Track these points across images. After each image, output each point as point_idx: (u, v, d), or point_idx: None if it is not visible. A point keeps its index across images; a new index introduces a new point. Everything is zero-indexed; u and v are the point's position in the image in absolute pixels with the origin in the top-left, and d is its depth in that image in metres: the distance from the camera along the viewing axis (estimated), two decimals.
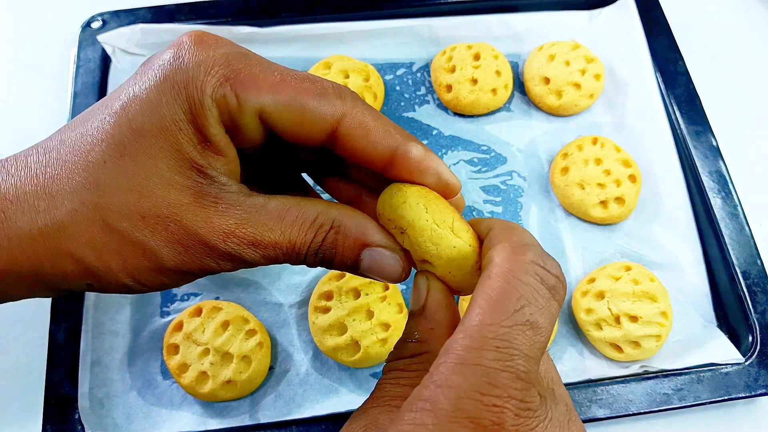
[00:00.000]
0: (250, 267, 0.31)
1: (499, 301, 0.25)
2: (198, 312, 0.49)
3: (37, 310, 0.52)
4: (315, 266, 0.31)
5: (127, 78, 0.30)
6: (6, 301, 0.31)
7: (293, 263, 0.31)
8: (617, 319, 0.49)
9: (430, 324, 0.29)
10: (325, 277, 0.51)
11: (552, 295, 0.26)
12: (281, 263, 0.31)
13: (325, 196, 0.44)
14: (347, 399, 0.48)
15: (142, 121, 0.27)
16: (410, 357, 0.28)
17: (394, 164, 0.30)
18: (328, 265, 0.31)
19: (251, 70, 0.28)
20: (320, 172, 0.37)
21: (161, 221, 0.28)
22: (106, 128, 0.28)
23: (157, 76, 0.28)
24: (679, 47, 0.63)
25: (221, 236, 0.29)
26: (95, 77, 0.61)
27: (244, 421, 0.47)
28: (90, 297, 0.51)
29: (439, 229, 0.29)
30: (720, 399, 0.47)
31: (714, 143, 0.58)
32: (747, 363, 0.49)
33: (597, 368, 0.49)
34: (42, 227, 0.27)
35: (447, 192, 0.31)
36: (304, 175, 0.38)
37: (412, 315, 0.30)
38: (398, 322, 0.48)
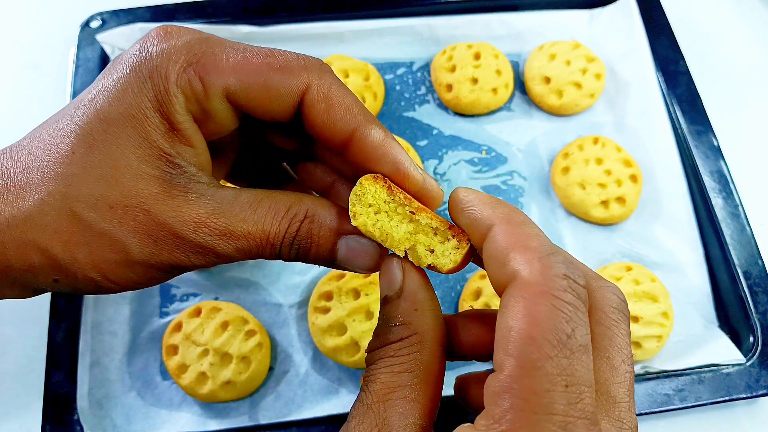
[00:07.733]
0: (223, 262, 0.30)
1: (551, 328, 0.22)
2: (197, 312, 0.49)
3: (36, 311, 0.51)
4: (290, 260, 0.30)
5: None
6: None
7: (267, 257, 0.30)
8: None
9: (413, 305, 0.28)
10: (325, 278, 0.51)
11: (585, 308, 0.24)
12: (255, 258, 0.30)
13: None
14: (347, 399, 0.48)
15: (109, 111, 0.27)
16: (399, 341, 0.28)
17: (352, 146, 0.30)
18: (304, 257, 0.30)
19: (212, 52, 0.28)
20: (296, 158, 0.36)
21: (129, 211, 0.27)
22: (76, 120, 0.28)
23: (125, 67, 0.28)
24: (680, 47, 0.63)
25: (192, 226, 0.28)
26: (94, 76, 0.60)
27: (244, 421, 0.47)
28: (89, 297, 0.51)
29: (398, 213, 0.29)
30: (721, 399, 0.47)
31: (715, 143, 0.58)
32: (748, 363, 0.49)
33: None
34: (9, 218, 0.27)
35: (405, 183, 0.30)
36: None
37: (387, 300, 0.29)
38: None
